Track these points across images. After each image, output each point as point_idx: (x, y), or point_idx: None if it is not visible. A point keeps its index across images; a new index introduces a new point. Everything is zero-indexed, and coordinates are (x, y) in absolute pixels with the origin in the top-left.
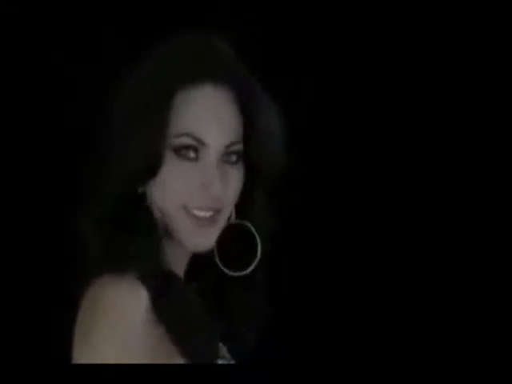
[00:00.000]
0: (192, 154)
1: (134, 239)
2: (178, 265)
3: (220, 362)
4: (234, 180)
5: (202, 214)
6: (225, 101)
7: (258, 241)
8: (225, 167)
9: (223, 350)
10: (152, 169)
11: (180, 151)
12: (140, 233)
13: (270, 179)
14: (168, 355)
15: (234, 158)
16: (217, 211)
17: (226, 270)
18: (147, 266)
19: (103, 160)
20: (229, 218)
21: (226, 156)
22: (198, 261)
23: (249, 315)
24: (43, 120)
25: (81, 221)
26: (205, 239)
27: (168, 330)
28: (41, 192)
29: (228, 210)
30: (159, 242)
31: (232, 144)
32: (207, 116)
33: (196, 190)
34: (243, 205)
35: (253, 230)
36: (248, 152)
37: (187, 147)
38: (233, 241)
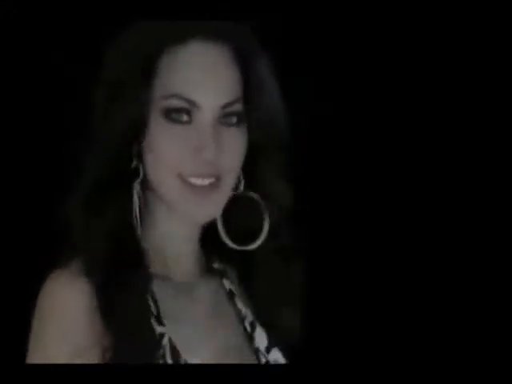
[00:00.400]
0: (185, 117)
1: (90, 225)
2: (183, 239)
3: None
4: (233, 143)
5: (199, 181)
6: (220, 58)
7: (266, 214)
8: (222, 129)
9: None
10: (136, 127)
11: (170, 114)
12: (103, 218)
13: (275, 146)
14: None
15: (234, 119)
16: (217, 178)
17: (230, 243)
18: (94, 257)
19: (92, 132)
20: (237, 187)
21: (224, 118)
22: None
23: (287, 293)
24: (42, 120)
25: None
26: (207, 208)
27: (105, 327)
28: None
29: (232, 176)
30: (129, 229)
31: (229, 104)
32: (198, 74)
33: (189, 154)
34: (252, 173)
35: (260, 201)
36: (250, 113)
37: (178, 110)
38: (239, 213)
